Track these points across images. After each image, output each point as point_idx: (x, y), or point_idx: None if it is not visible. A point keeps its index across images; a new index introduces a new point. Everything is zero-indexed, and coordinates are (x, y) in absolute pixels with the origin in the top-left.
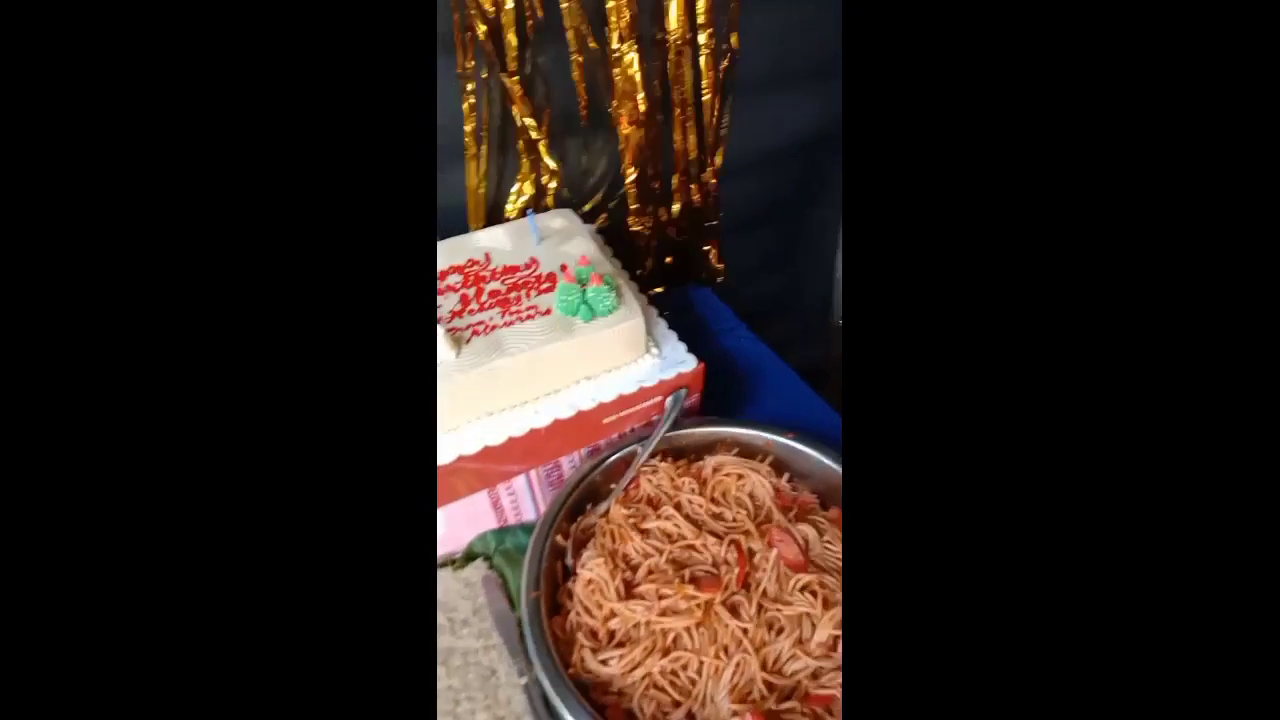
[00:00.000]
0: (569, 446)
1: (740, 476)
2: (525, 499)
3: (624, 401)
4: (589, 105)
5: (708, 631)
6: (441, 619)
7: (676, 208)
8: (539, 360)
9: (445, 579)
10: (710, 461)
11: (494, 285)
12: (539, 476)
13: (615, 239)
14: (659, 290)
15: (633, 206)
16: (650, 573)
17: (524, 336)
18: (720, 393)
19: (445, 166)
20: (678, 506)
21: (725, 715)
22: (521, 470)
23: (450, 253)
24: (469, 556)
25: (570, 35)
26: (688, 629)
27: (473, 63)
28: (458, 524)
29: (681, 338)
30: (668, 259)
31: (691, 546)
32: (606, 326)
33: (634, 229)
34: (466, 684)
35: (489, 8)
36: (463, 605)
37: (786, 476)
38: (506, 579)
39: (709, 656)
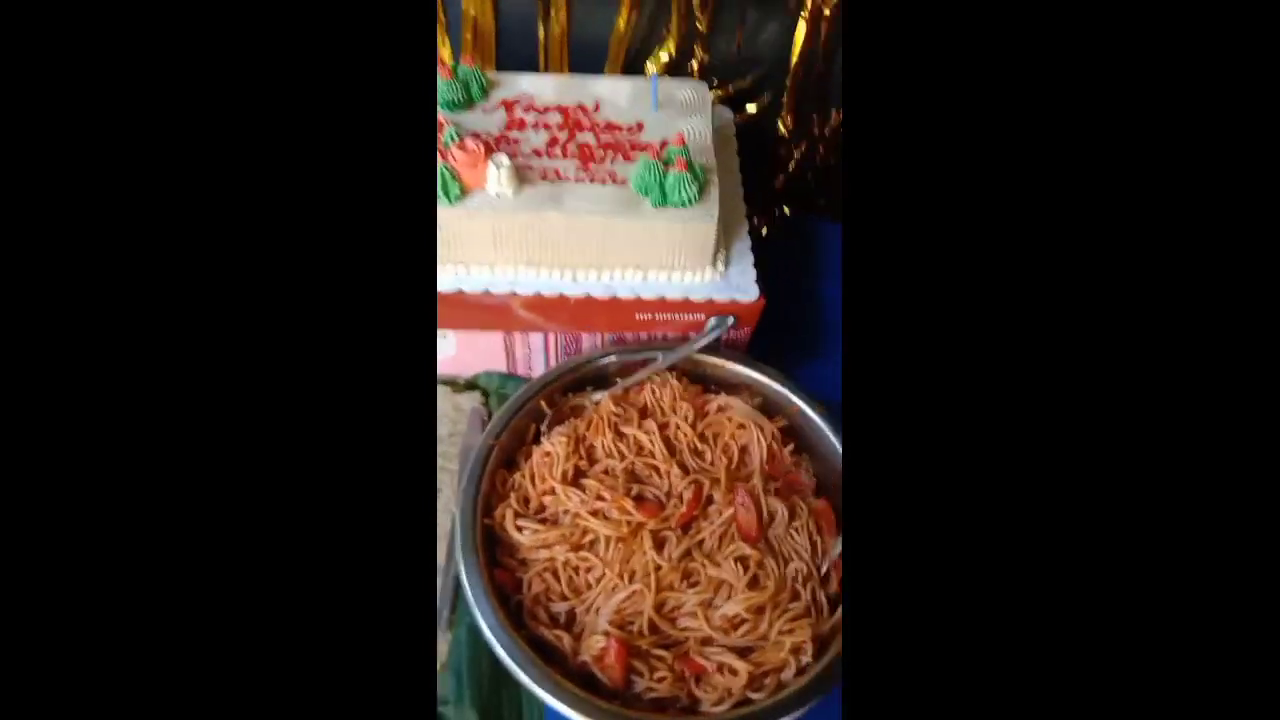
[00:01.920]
0: (595, 326)
1: (741, 426)
2: (539, 357)
3: (664, 305)
4: None
5: (624, 550)
6: None
7: (836, 120)
8: (590, 228)
9: (440, 396)
10: (719, 400)
11: (586, 137)
12: (557, 342)
13: (755, 136)
14: (782, 209)
15: (786, 105)
16: (605, 473)
17: (587, 198)
18: (784, 338)
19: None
20: (663, 426)
21: (597, 630)
22: (542, 328)
23: (561, 90)
24: (470, 385)
25: None
26: (608, 539)
27: None
28: (470, 353)
29: (765, 266)
30: (808, 175)
31: (655, 468)
32: (673, 219)
33: (780, 132)
34: None
35: None
36: (444, 424)
37: (792, 447)
38: (491, 419)
39: (612, 572)
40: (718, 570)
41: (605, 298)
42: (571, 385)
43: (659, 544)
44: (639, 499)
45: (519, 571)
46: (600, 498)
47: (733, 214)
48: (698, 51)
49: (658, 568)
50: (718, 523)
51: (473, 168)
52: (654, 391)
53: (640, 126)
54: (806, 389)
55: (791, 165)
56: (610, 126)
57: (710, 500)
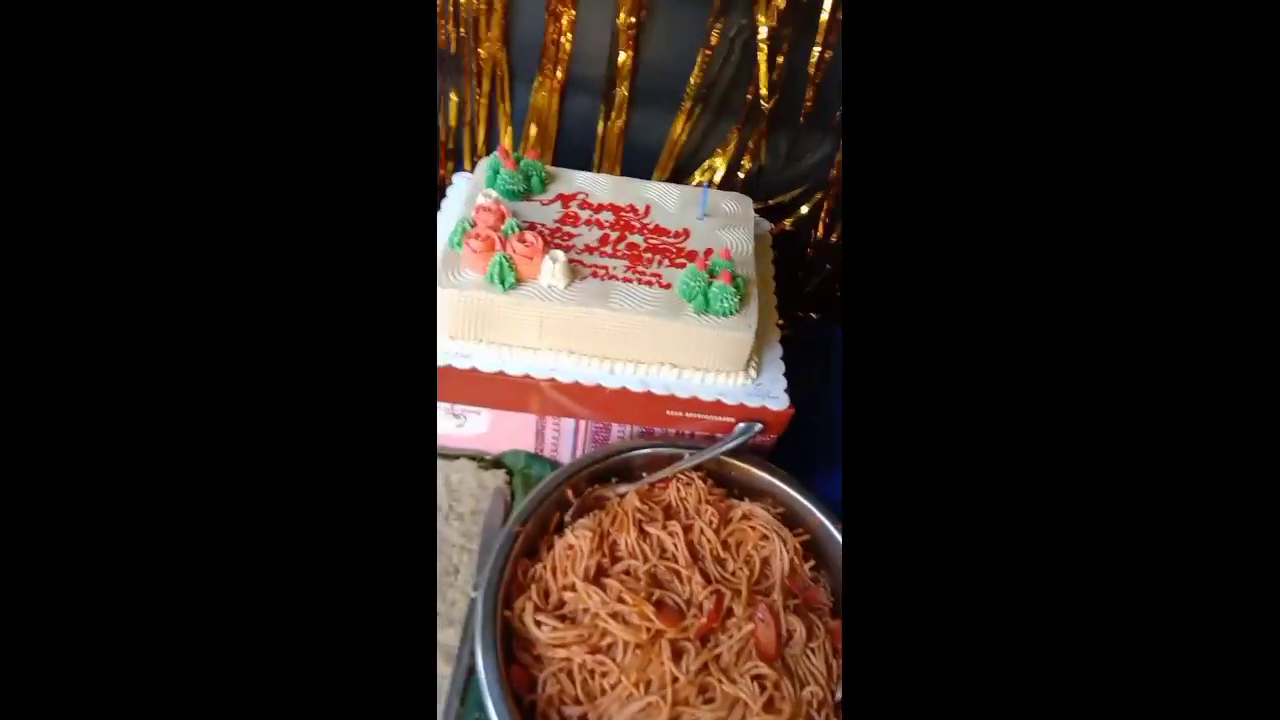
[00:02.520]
0: (626, 418)
1: (764, 537)
2: (566, 442)
3: (696, 405)
4: (817, 100)
5: (642, 658)
6: (444, 502)
7: None
8: (635, 326)
9: (466, 471)
10: (744, 506)
11: (636, 238)
12: (587, 429)
13: (791, 243)
14: (813, 315)
15: (823, 220)
16: (626, 573)
17: (634, 299)
18: (808, 446)
19: (660, 109)
20: (687, 530)
21: None
22: (574, 415)
23: (615, 190)
24: (496, 463)
25: (823, 21)
26: (626, 645)
27: (722, 20)
28: (501, 432)
29: (795, 374)
30: (835, 284)
31: (676, 573)
32: (713, 327)
33: (813, 240)
34: (442, 559)
35: None
36: (467, 500)
37: (812, 564)
38: (515, 500)
39: (629, 680)
40: (734, 688)
41: (640, 391)
42: (598, 475)
43: (677, 655)
44: (659, 604)
45: (534, 669)
46: (621, 600)
47: (766, 321)
48: (744, 164)
49: (675, 680)
50: (736, 637)
51: (529, 260)
52: (679, 490)
53: (686, 233)
54: (827, 502)
55: (821, 274)
56: (658, 230)
57: (730, 612)
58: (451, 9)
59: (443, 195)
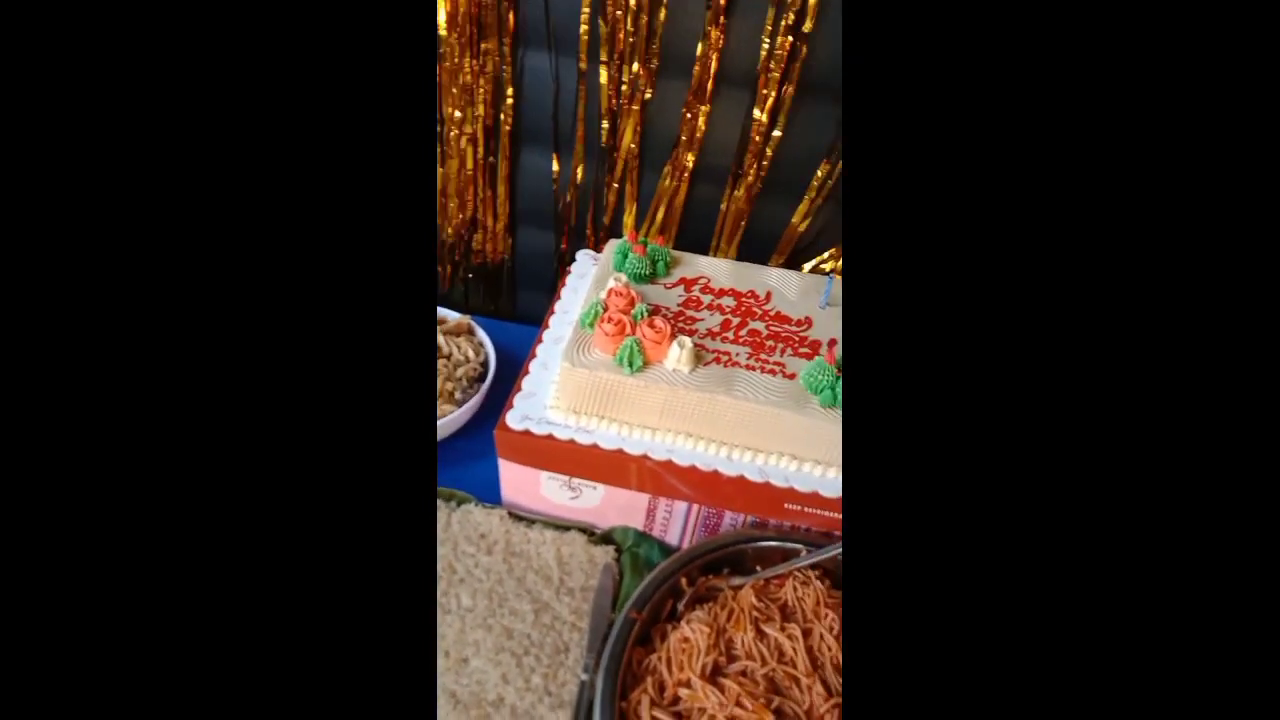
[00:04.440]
0: (740, 507)
1: None
2: (677, 524)
3: (815, 500)
4: None
5: None
6: (556, 575)
7: None
8: (758, 416)
9: (577, 544)
10: None
11: (758, 325)
12: (698, 514)
13: None
14: None
15: None
16: (743, 674)
17: (757, 387)
18: None
19: (783, 197)
20: (806, 633)
21: None
22: (688, 498)
23: (737, 276)
24: (606, 538)
25: None
26: None
27: None
28: (613, 507)
29: None
30: None
31: (795, 680)
32: (838, 421)
33: None
34: (541, 643)
35: None
36: (577, 574)
37: None
38: (623, 577)
39: None
40: None
41: (759, 481)
42: (711, 565)
43: None
44: (779, 713)
45: None
46: (740, 704)
47: None
48: None
49: None
50: None
51: (658, 345)
52: (796, 589)
53: (809, 322)
54: None
55: None
56: (780, 317)
57: None
58: (603, 100)
59: (567, 270)
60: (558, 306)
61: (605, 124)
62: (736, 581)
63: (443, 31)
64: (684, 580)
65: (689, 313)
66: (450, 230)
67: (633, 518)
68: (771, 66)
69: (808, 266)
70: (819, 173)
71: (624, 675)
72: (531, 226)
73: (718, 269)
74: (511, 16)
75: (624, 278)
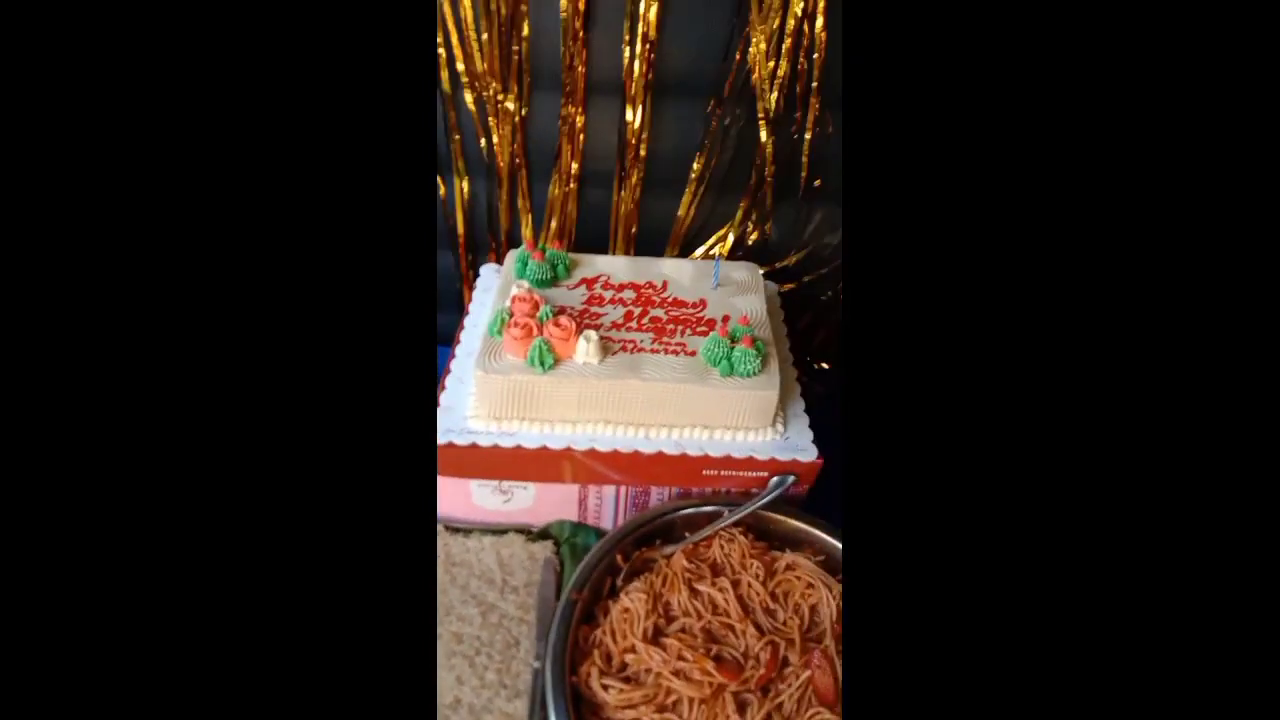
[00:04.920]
0: (664, 480)
1: (810, 585)
2: (609, 508)
3: (729, 463)
4: (811, 172)
5: (708, 713)
6: (498, 577)
7: None
8: (666, 394)
9: (516, 544)
10: (787, 558)
11: (658, 312)
12: (627, 494)
13: (801, 298)
14: (824, 365)
15: (822, 271)
16: (682, 630)
17: (662, 368)
18: (840, 492)
19: (665, 192)
20: (735, 584)
21: None
22: (615, 482)
23: (634, 270)
24: (543, 534)
25: (813, 104)
26: (690, 700)
27: (721, 111)
28: (546, 503)
29: (818, 424)
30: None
31: (730, 627)
32: (738, 388)
33: (823, 297)
34: (491, 642)
35: (765, 61)
36: (519, 573)
37: None
38: (564, 569)
39: None
40: None
41: (676, 454)
42: (643, 538)
43: (740, 706)
44: (718, 659)
45: None
46: (682, 657)
47: (787, 378)
48: (749, 236)
49: None
50: (795, 685)
51: (565, 341)
52: (722, 547)
53: (704, 303)
54: None
55: (828, 324)
56: (677, 302)
57: (786, 661)
58: (475, 122)
59: (471, 286)
60: (466, 321)
61: (482, 141)
62: (668, 550)
63: None
64: (619, 557)
65: (593, 309)
66: None
67: (566, 510)
68: (635, 72)
69: (699, 253)
70: (695, 165)
71: (572, 653)
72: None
73: (615, 266)
74: None
75: (526, 284)
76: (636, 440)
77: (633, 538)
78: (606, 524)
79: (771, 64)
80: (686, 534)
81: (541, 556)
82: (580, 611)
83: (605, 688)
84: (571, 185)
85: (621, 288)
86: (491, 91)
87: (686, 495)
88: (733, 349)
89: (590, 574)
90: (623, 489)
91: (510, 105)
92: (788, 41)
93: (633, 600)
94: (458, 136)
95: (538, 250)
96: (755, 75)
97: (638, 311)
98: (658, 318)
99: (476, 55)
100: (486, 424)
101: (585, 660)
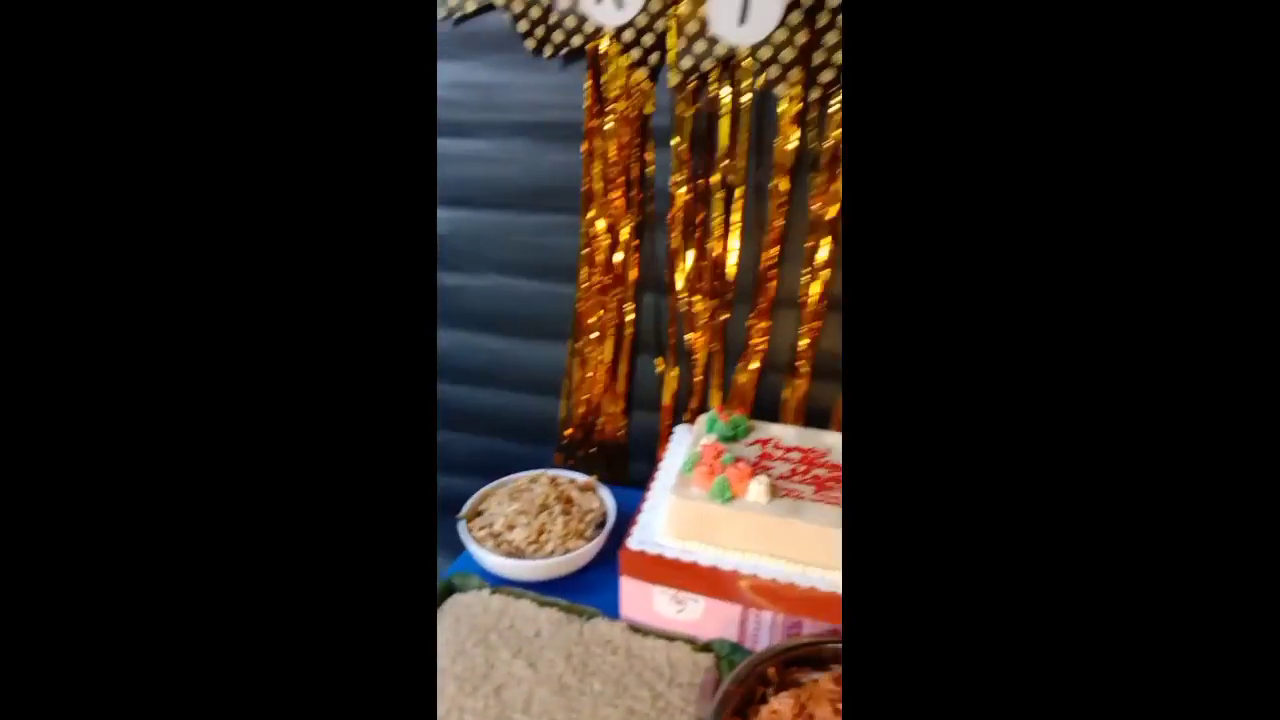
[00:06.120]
0: (818, 615)
1: None
2: (764, 635)
3: None
4: None
5: None
6: (667, 673)
7: None
8: (824, 537)
9: (684, 651)
10: None
11: (819, 471)
12: (783, 623)
13: None
14: None
15: None
16: None
17: (823, 514)
18: None
19: (833, 383)
20: None
21: None
22: (773, 610)
23: (801, 438)
24: (706, 647)
25: None
26: None
27: None
28: (712, 620)
29: None
30: None
31: None
32: None
33: None
34: (665, 718)
35: None
36: (684, 673)
37: None
38: (721, 679)
39: None
40: None
41: (828, 592)
42: (793, 660)
43: None
44: None
45: None
46: None
47: None
48: None
49: None
50: None
51: (741, 480)
52: None
53: None
54: None
55: None
56: (836, 466)
57: None
58: (684, 322)
59: (667, 442)
60: (661, 466)
61: (688, 336)
62: (815, 676)
63: (585, 284)
64: (771, 670)
65: (764, 462)
66: (579, 413)
67: (729, 630)
68: (810, 293)
69: None
70: None
71: None
72: (641, 410)
73: (786, 433)
74: (633, 273)
75: (713, 436)
76: (793, 573)
77: (785, 656)
78: (762, 648)
79: None
80: (833, 666)
81: (704, 665)
82: (736, 703)
83: None
84: (754, 374)
85: (789, 450)
86: (708, 302)
87: (836, 633)
88: None
89: (747, 675)
90: (779, 619)
91: (701, 307)
92: None
93: (782, 703)
94: (672, 328)
95: (725, 413)
96: None
97: (802, 469)
98: (819, 475)
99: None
100: (673, 541)
101: None
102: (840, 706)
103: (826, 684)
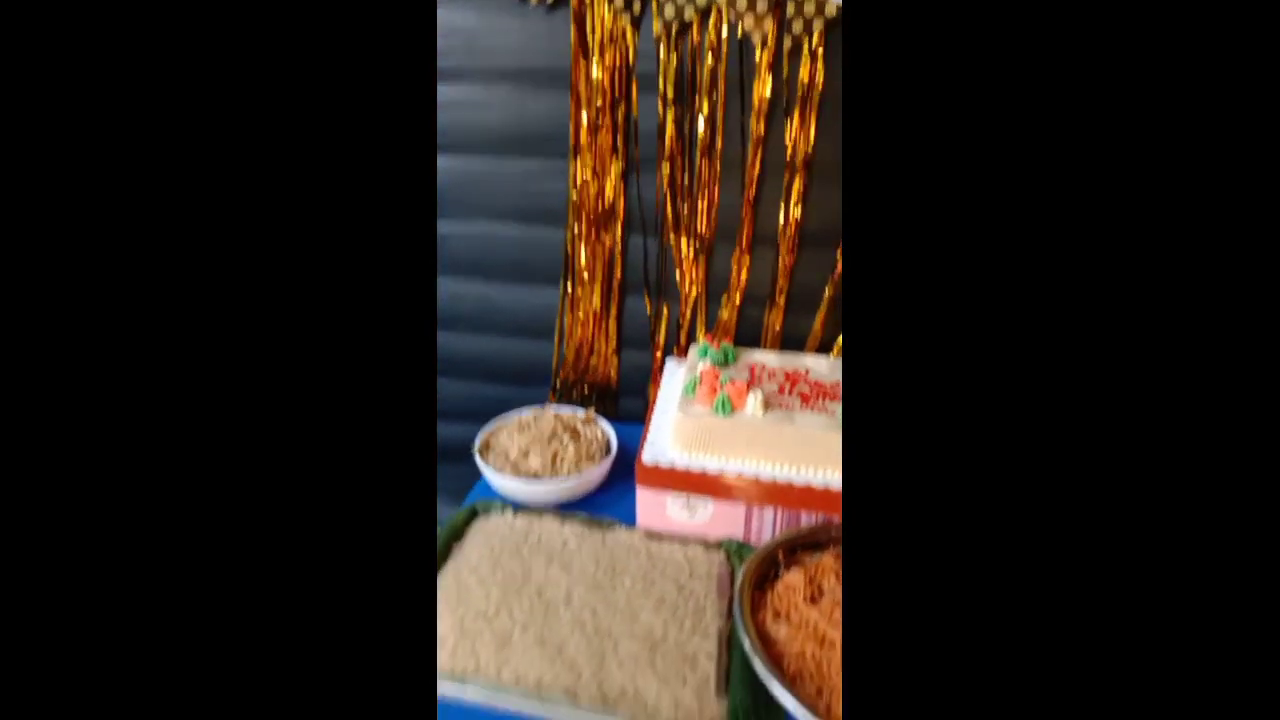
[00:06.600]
0: (813, 507)
1: None
2: (767, 531)
3: None
4: None
5: None
6: (686, 570)
7: None
8: (814, 438)
9: (698, 550)
10: None
11: (803, 388)
12: (782, 518)
13: None
14: None
15: None
16: (835, 603)
17: (811, 421)
18: None
19: (806, 312)
20: None
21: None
22: (773, 506)
23: (782, 361)
24: (717, 546)
25: None
26: (839, 641)
27: None
28: (722, 521)
29: None
30: None
31: None
32: None
33: None
34: (685, 605)
35: None
36: (701, 568)
37: None
38: (734, 571)
39: None
40: None
41: (821, 488)
42: (796, 545)
43: None
44: None
45: (776, 651)
46: (832, 617)
47: None
48: None
49: None
50: None
51: (739, 396)
52: None
53: (839, 385)
54: None
55: None
56: (817, 384)
57: None
58: (674, 262)
59: (661, 370)
60: (660, 395)
61: (678, 274)
62: (817, 556)
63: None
64: (780, 554)
65: (755, 383)
66: (571, 353)
67: (735, 529)
68: (786, 229)
69: (831, 354)
70: (825, 294)
71: (751, 606)
72: (630, 349)
73: (768, 357)
74: (621, 212)
75: (708, 362)
76: (790, 474)
77: (789, 543)
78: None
79: None
80: (832, 546)
81: (716, 560)
82: (754, 579)
83: (779, 628)
84: (736, 306)
85: (774, 372)
86: (694, 240)
87: (830, 523)
88: None
89: (759, 561)
90: (780, 514)
91: (686, 247)
92: None
93: (794, 577)
94: (662, 270)
95: (715, 341)
96: None
97: (789, 387)
98: (804, 392)
99: (685, 212)
100: (681, 453)
101: (760, 611)
102: (839, 574)
103: (828, 560)
